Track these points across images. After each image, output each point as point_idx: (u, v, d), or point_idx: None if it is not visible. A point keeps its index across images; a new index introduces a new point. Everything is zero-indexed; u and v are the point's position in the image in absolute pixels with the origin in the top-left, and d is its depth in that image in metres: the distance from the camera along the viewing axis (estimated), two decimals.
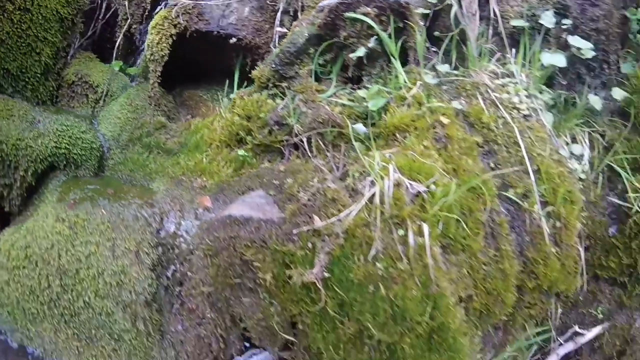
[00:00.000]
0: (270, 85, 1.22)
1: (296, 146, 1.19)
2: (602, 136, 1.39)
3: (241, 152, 1.15)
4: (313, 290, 0.93)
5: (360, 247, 0.91)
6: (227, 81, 1.35)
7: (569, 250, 1.08)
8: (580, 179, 1.33)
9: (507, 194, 1.06)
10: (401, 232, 0.91)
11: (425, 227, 0.87)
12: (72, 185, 1.07)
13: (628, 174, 1.31)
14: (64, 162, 1.15)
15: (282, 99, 1.20)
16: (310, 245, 0.94)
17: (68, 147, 1.15)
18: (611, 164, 1.33)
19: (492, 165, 1.12)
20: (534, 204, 1.05)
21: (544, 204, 1.08)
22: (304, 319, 0.98)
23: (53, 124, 1.13)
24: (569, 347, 1.34)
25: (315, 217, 0.95)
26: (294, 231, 0.93)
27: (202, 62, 1.39)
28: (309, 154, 1.13)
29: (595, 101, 1.36)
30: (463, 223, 0.95)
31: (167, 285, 1.02)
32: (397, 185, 0.93)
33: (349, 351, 0.92)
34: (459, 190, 0.94)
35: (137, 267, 0.93)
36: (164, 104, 1.31)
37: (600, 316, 1.35)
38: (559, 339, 1.34)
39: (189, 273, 1.00)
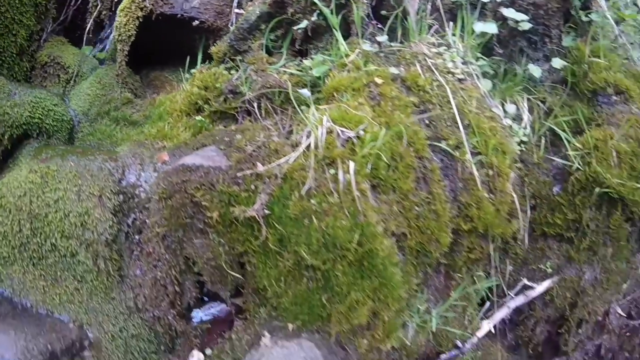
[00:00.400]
0: (227, 59, 1.49)
1: (249, 112, 1.44)
2: (543, 102, 1.65)
3: (199, 118, 1.41)
4: (256, 228, 1.16)
5: (297, 187, 1.14)
6: (191, 60, 1.62)
7: (503, 197, 1.31)
8: (523, 142, 1.57)
9: (439, 145, 1.30)
10: (332, 171, 1.14)
11: (352, 164, 1.10)
12: (45, 149, 1.31)
13: (568, 135, 1.55)
14: (37, 131, 1.40)
15: (237, 70, 1.47)
16: (253, 187, 1.17)
17: (41, 117, 1.40)
18: (553, 127, 1.58)
19: (426, 122, 1.36)
20: (465, 153, 1.29)
21: (476, 154, 1.32)
22: (250, 258, 1.20)
23: (28, 96, 1.39)
24: (520, 300, 1.54)
25: (258, 164, 1.19)
26: (239, 174, 1.17)
27: (167, 45, 1.66)
28: (259, 117, 1.38)
29: (535, 70, 1.62)
30: (393, 166, 1.18)
31: (127, 232, 1.25)
32: (330, 132, 1.18)
33: (289, 283, 1.13)
34: (387, 136, 1.18)
35: (100, 210, 1.16)
36: (131, 83, 1.58)
37: (550, 271, 1.56)
38: (509, 292, 1.55)
39: (147, 220, 1.23)
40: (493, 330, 1.59)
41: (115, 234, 1.19)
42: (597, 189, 1.46)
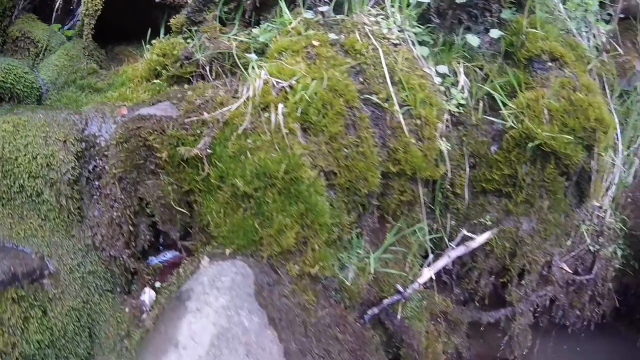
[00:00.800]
0: (184, 30, 1.84)
1: (202, 76, 1.77)
2: (481, 69, 1.97)
3: (156, 81, 1.73)
4: (200, 167, 1.46)
5: (236, 130, 1.45)
6: (154, 35, 1.96)
7: (431, 143, 1.61)
8: (460, 105, 1.89)
9: (371, 98, 1.61)
10: (266, 114, 1.45)
11: (281, 106, 1.42)
12: (16, 107, 1.64)
13: (503, 97, 1.86)
14: (9, 95, 1.72)
15: (193, 40, 1.81)
16: (198, 132, 1.48)
17: (13, 83, 1.73)
18: (489, 90, 1.89)
19: (360, 80, 1.68)
20: (393, 105, 1.59)
21: (404, 106, 1.63)
22: (196, 197, 1.50)
23: (1, 63, 1.72)
24: (461, 250, 1.81)
25: (205, 113, 1.50)
26: (186, 121, 1.48)
27: (132, 22, 2.01)
28: (210, 79, 1.71)
29: (472, 39, 1.95)
30: (323, 113, 1.49)
31: (88, 177, 1.55)
32: (266, 83, 1.49)
33: (228, 213, 1.42)
34: (318, 86, 1.50)
35: (64, 152, 1.46)
36: (97, 55, 1.92)
37: (489, 223, 1.84)
38: (450, 244, 1.82)
39: (106, 166, 1.53)
40: (434, 279, 1.86)
41: (77, 176, 1.49)
42: (530, 144, 1.76)
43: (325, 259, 1.43)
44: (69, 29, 2.10)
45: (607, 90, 2.23)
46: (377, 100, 1.60)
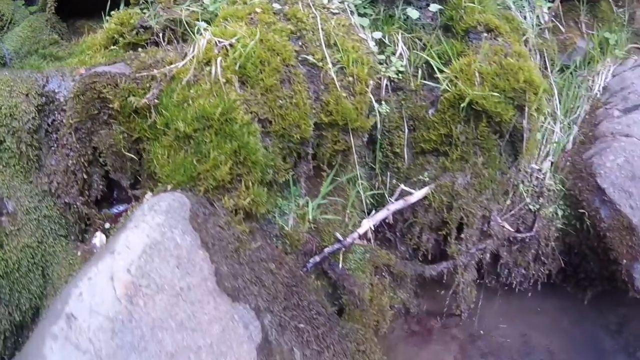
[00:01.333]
0: (141, 2, 2.22)
1: (156, 43, 2.15)
2: (420, 40, 2.35)
3: (114, 48, 2.10)
4: (148, 116, 1.81)
5: (181, 82, 1.80)
6: (113, 8, 2.35)
7: (362, 98, 1.96)
8: (400, 72, 2.26)
9: (307, 58, 1.97)
10: (208, 68, 1.81)
11: (219, 59, 1.78)
12: None
13: (439, 64, 2.23)
14: None
15: (149, 10, 2.19)
16: (148, 85, 1.84)
17: None
18: (427, 58, 2.26)
19: (300, 44, 2.05)
20: (327, 64, 1.95)
21: (338, 65, 1.99)
22: (145, 145, 1.84)
23: None
24: (400, 204, 2.14)
25: (154, 70, 1.86)
26: (138, 76, 1.84)
27: None
28: (163, 45, 2.07)
29: (412, 12, 2.35)
30: (261, 68, 1.85)
31: (47, 130, 1.89)
32: (210, 42, 1.86)
33: (171, 155, 1.76)
34: (256, 46, 1.86)
35: (26, 104, 1.81)
36: (59, 28, 2.30)
37: (428, 180, 2.17)
38: (390, 199, 2.15)
39: (64, 120, 1.88)
40: (378, 236, 2.18)
41: (37, 126, 1.84)
42: (462, 104, 2.11)
43: (259, 196, 1.76)
44: (32, 6, 2.50)
45: (548, 65, 2.62)
46: (313, 60, 1.97)
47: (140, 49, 2.09)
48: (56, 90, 1.91)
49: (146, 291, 1.43)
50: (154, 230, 1.52)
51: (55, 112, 1.90)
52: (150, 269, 1.46)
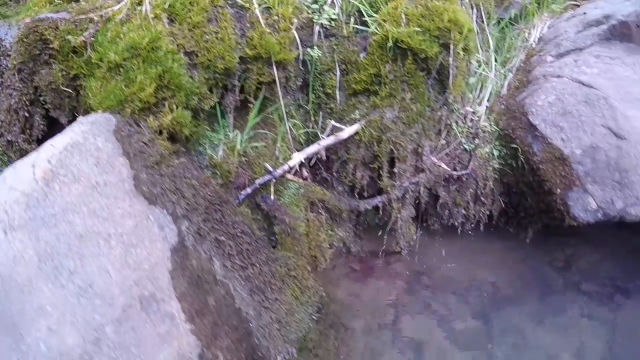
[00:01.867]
0: None
1: None
2: None
3: (58, 2, 2.38)
4: (84, 54, 2.04)
5: (114, 21, 2.04)
6: None
7: (286, 34, 2.18)
8: (332, 19, 2.47)
9: (236, 1, 2.21)
10: (139, 8, 2.05)
11: (147, 1, 2.02)
12: None
13: (368, 9, 2.44)
14: None
15: None
16: (85, 27, 2.08)
17: None
18: (357, 5, 2.48)
19: None
20: (253, 4, 2.19)
21: (264, 6, 2.21)
22: (82, 82, 2.07)
23: None
24: (331, 139, 2.30)
25: (92, 14, 2.11)
26: (77, 19, 2.09)
27: None
28: None
29: None
30: (189, 8, 2.08)
31: None
32: None
33: (104, 85, 1.98)
34: None
35: None
36: None
37: (359, 117, 2.34)
38: (322, 136, 2.32)
39: (8, 64, 2.12)
40: (314, 177, 2.33)
41: None
42: (389, 44, 2.31)
43: (183, 118, 1.96)
44: None
45: (484, 18, 2.82)
46: (241, 2, 2.20)
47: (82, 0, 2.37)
48: (3, 38, 2.18)
49: (63, 179, 1.61)
50: (77, 135, 1.72)
51: (1, 57, 2.16)
52: (69, 162, 1.65)
